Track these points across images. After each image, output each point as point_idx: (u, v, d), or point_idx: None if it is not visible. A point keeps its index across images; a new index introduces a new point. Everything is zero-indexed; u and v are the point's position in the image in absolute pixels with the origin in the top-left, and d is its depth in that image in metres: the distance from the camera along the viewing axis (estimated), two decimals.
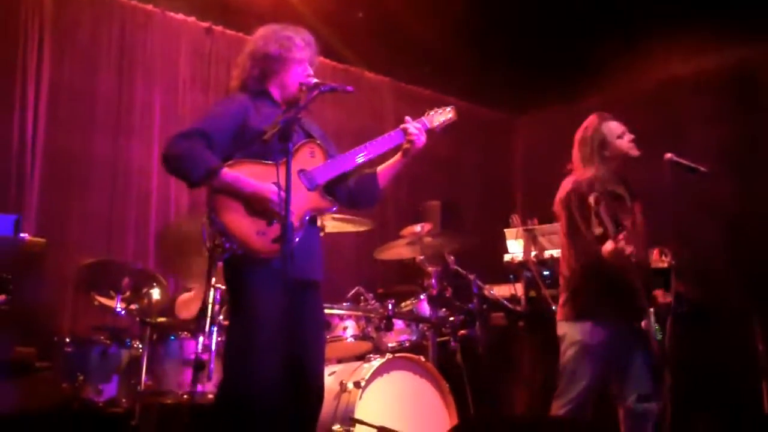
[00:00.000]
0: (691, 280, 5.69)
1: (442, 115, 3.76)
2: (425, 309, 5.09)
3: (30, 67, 5.75)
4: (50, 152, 5.77)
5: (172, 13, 6.57)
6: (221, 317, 4.55)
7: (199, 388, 4.39)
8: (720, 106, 6.95)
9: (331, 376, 4.46)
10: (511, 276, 6.08)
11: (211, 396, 4.43)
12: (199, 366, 4.22)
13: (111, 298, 4.86)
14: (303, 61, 3.59)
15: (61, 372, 4.67)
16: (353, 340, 4.80)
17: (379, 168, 3.67)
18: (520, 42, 6.86)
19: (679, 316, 5.20)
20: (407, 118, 3.66)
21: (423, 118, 3.71)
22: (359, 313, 4.85)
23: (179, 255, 4.79)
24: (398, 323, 4.96)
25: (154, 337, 4.71)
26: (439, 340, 5.18)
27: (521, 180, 8.63)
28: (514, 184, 8.70)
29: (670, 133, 7.00)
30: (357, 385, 4.34)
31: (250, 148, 3.37)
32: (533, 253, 5.94)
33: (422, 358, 4.73)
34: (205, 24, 6.75)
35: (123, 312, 4.82)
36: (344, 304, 4.90)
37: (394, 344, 4.94)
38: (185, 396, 4.55)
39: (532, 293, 5.88)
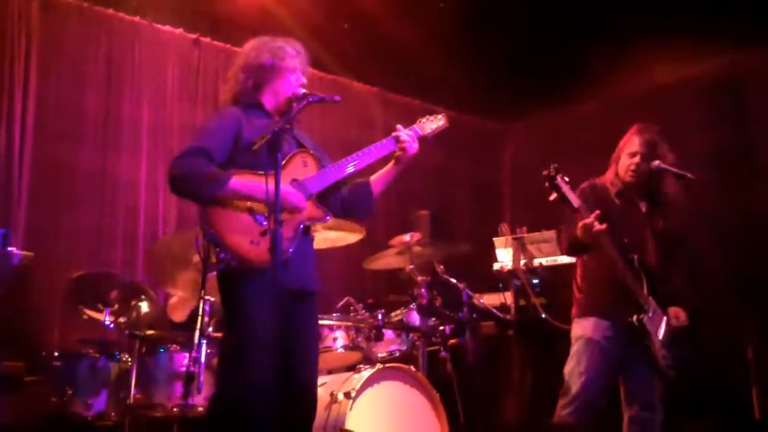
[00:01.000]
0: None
1: (433, 123, 3.78)
2: (415, 318, 5.08)
3: (17, 80, 5.74)
4: (38, 166, 5.76)
5: (159, 25, 6.57)
6: (211, 329, 4.53)
7: (189, 400, 4.37)
8: (709, 113, 7.00)
9: (322, 387, 4.44)
10: (501, 285, 6.08)
11: (201, 409, 4.41)
12: (189, 378, 4.21)
13: (99, 311, 4.84)
14: (296, 70, 3.62)
15: (49, 386, 4.64)
16: (343, 350, 4.79)
17: (372, 177, 3.69)
18: (509, 51, 6.88)
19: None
20: (399, 126, 3.67)
21: (415, 125, 3.73)
22: (349, 324, 4.85)
23: (169, 267, 4.77)
24: (388, 333, 4.96)
25: (143, 350, 4.69)
26: (429, 349, 5.17)
27: (510, 189, 8.65)
28: (503, 192, 8.71)
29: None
30: (347, 395, 4.33)
31: (240, 159, 3.37)
32: (522, 262, 5.94)
33: (412, 368, 4.73)
34: (193, 36, 6.74)
35: (112, 325, 4.81)
36: (334, 314, 4.89)
37: (384, 354, 4.93)
38: (175, 409, 4.52)
39: (522, 302, 5.89)
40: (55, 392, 4.59)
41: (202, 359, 4.35)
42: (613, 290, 4.12)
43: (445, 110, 4.09)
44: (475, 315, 5.59)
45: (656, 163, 4.40)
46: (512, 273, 6.01)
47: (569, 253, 4.42)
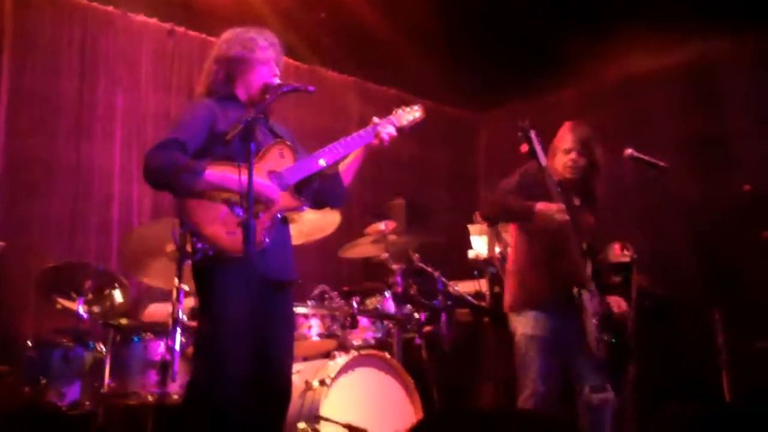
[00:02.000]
0: (652, 274, 5.77)
1: (410, 114, 3.80)
2: (390, 306, 5.12)
3: None
4: (11, 155, 5.72)
5: (133, 15, 6.52)
6: (185, 318, 4.53)
7: (164, 389, 4.37)
8: (683, 101, 7.06)
9: (297, 375, 4.45)
10: (476, 272, 6.11)
11: (176, 397, 4.41)
12: (164, 367, 4.21)
13: (73, 300, 4.82)
14: (268, 62, 3.61)
15: (22, 376, 4.61)
16: (318, 338, 4.81)
17: (341, 167, 3.70)
18: (484, 40, 6.91)
19: (642, 310, 5.28)
20: (375, 118, 3.70)
21: (391, 116, 3.75)
22: (324, 312, 4.86)
23: (143, 257, 4.76)
24: (363, 321, 4.99)
25: (118, 338, 4.66)
26: (404, 336, 5.19)
27: (485, 177, 8.68)
28: (478, 181, 8.74)
29: (634, 128, 7.10)
30: (322, 383, 4.35)
31: (216, 151, 3.37)
32: (497, 250, 5.98)
33: (387, 355, 4.75)
34: (167, 25, 6.70)
35: (85, 314, 4.78)
36: (309, 302, 4.88)
37: (359, 342, 4.95)
38: (150, 397, 4.52)
39: (497, 289, 5.91)
40: (29, 382, 4.56)
41: (177, 348, 4.34)
42: (552, 275, 4.19)
43: (421, 100, 4.12)
44: (450, 302, 5.64)
45: (629, 151, 4.47)
46: (487, 260, 6.05)
47: (490, 219, 4.54)
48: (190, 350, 4.36)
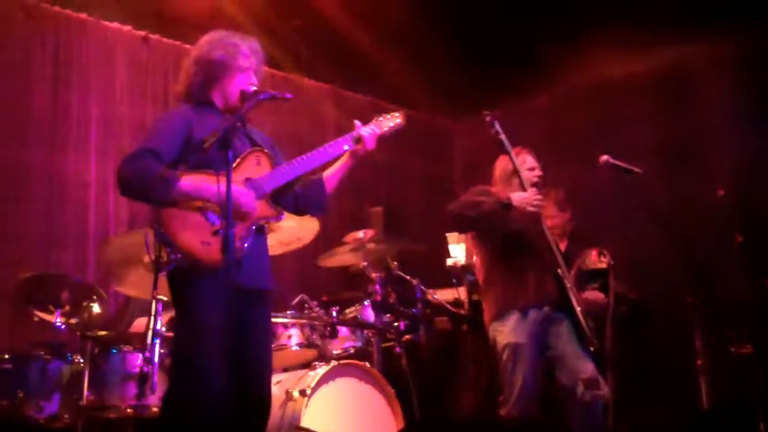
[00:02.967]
0: (629, 279, 5.80)
1: (390, 121, 3.80)
2: (369, 315, 5.11)
3: None
4: None
5: (107, 23, 6.48)
6: (163, 329, 4.50)
7: (143, 401, 4.34)
8: (656, 106, 7.12)
9: (277, 385, 4.43)
10: (454, 280, 6.13)
11: (155, 409, 4.37)
12: (143, 379, 4.18)
13: (50, 312, 4.75)
14: (247, 70, 3.58)
15: None
16: (298, 348, 4.80)
17: (326, 173, 3.70)
18: (459, 47, 6.92)
19: (619, 316, 5.31)
20: (358, 123, 3.69)
21: (372, 123, 3.75)
22: (304, 321, 4.84)
23: (121, 267, 4.72)
24: (343, 330, 4.98)
25: (96, 350, 4.62)
26: (383, 345, 5.19)
27: (462, 184, 8.69)
28: (455, 188, 8.75)
29: (607, 133, 7.14)
30: (303, 393, 4.33)
31: (192, 159, 3.33)
32: (475, 257, 5.99)
33: (367, 365, 4.74)
34: (142, 33, 6.66)
35: (63, 326, 4.73)
36: (288, 312, 4.86)
37: (339, 351, 4.94)
38: (129, 410, 4.48)
39: (475, 296, 5.92)
40: (6, 395, 4.49)
41: (156, 359, 4.32)
42: (526, 272, 4.28)
43: (397, 107, 4.13)
44: (429, 310, 5.65)
45: (604, 158, 4.51)
46: (465, 268, 6.06)
47: (459, 221, 4.53)
48: (168, 361, 4.33)
